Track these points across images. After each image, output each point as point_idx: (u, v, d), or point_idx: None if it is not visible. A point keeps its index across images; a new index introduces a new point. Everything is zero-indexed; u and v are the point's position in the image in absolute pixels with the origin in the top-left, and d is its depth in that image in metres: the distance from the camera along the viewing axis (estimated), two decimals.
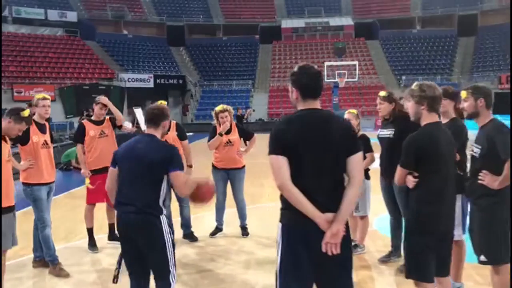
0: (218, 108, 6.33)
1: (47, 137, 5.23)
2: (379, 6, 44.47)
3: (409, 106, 3.38)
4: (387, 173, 4.80)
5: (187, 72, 39.62)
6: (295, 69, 2.82)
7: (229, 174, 6.30)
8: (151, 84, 34.70)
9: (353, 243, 5.64)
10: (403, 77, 36.01)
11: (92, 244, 5.90)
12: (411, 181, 3.24)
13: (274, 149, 2.66)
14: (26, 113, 4.31)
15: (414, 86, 3.35)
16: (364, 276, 4.88)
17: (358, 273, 4.90)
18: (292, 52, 41.95)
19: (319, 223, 2.60)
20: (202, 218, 6.93)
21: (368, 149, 5.36)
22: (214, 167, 6.37)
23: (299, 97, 2.76)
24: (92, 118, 6.02)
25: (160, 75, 36.65)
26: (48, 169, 5.12)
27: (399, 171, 3.30)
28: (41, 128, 5.13)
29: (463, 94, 3.66)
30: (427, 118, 3.25)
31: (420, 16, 43.41)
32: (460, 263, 4.10)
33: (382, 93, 5.01)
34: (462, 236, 4.07)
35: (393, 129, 4.80)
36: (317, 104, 2.79)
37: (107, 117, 6.04)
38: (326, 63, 28.11)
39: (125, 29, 42.33)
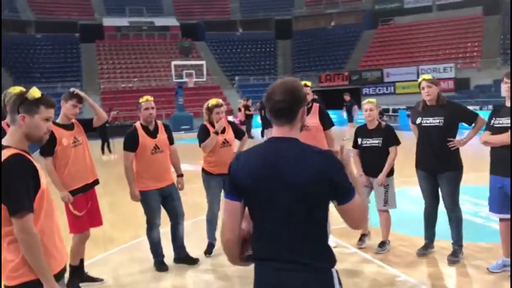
0: (212, 102, 5.32)
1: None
2: (201, 8, 44.92)
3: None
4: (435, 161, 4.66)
5: None
6: None
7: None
8: None
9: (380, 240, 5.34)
10: (236, 78, 37.06)
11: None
12: None
13: None
14: (35, 93, 2.49)
15: None
16: (432, 273, 4.63)
17: (418, 269, 4.63)
18: (119, 52, 39.52)
19: None
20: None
21: (395, 142, 5.13)
22: (206, 172, 5.39)
23: None
24: (58, 121, 4.42)
25: None
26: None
27: None
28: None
29: None
30: None
31: (241, 19, 45.25)
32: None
33: (427, 76, 4.75)
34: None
35: (442, 117, 4.62)
36: None
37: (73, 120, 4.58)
38: (174, 63, 27.09)
39: None
